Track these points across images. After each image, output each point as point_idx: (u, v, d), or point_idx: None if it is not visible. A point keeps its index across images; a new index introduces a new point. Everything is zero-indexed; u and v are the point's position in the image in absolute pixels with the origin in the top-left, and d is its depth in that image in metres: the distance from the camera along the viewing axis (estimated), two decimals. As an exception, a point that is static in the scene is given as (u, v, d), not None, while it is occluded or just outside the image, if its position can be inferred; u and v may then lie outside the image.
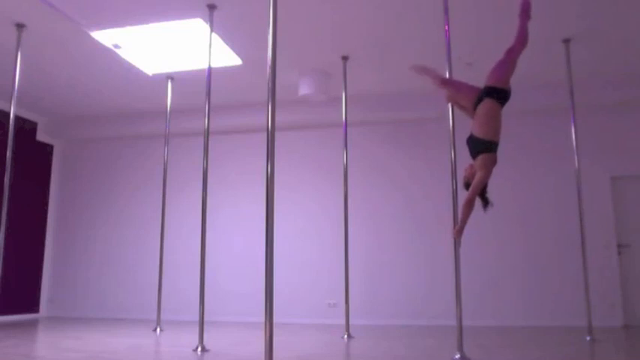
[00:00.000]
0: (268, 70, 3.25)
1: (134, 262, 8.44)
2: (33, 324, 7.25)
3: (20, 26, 5.49)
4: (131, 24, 5.47)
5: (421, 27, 5.57)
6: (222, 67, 6.56)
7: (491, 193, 4.05)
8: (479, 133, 3.89)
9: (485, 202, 3.97)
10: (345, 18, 5.40)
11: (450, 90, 4.22)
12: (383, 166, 7.78)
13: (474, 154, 3.92)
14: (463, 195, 4.28)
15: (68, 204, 8.92)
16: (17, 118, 8.05)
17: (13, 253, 7.93)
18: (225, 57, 6.25)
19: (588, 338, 5.31)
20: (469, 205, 3.94)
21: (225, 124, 8.06)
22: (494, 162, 3.90)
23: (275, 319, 7.81)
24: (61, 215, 8.90)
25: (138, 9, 5.18)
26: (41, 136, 8.68)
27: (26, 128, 8.37)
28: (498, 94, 3.90)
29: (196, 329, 6.60)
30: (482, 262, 7.18)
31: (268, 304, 2.96)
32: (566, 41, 5.86)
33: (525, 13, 4.14)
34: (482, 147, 3.86)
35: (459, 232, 4.13)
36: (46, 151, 8.81)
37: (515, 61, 4.04)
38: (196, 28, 5.56)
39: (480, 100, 3.94)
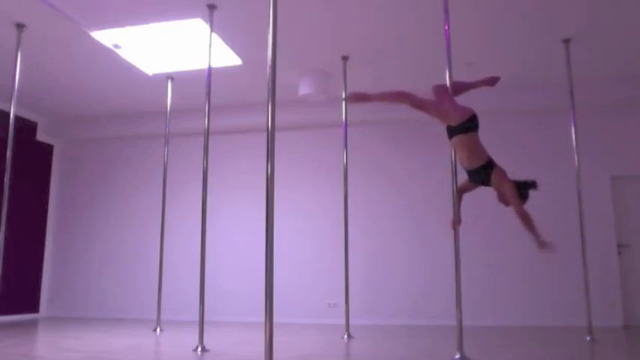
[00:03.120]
0: (268, 70, 3.25)
1: (134, 262, 8.44)
2: (33, 324, 7.25)
3: (20, 26, 5.49)
4: (131, 24, 5.47)
5: (421, 27, 5.57)
6: (222, 67, 6.56)
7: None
8: (475, 164, 3.96)
9: (527, 190, 3.88)
10: (345, 18, 5.40)
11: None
12: (383, 166, 7.78)
13: (485, 178, 3.96)
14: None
15: (68, 204, 8.92)
16: (17, 118, 8.07)
17: (13, 253, 7.93)
18: (225, 57, 6.25)
19: (588, 338, 5.31)
20: (526, 216, 3.80)
21: (225, 124, 8.06)
22: (504, 170, 3.94)
23: (275, 319, 7.83)
24: (61, 215, 8.91)
25: (138, 9, 5.18)
26: (41, 136, 8.68)
27: (26, 128, 8.37)
28: (470, 124, 3.96)
29: (196, 329, 6.60)
30: (483, 262, 7.18)
31: (268, 304, 2.97)
32: (566, 41, 5.86)
33: (363, 100, 4.11)
34: (486, 169, 3.93)
35: (543, 244, 3.81)
36: (46, 151, 8.81)
37: (425, 101, 4.11)
38: (196, 28, 5.56)
39: (452, 134, 4.01)
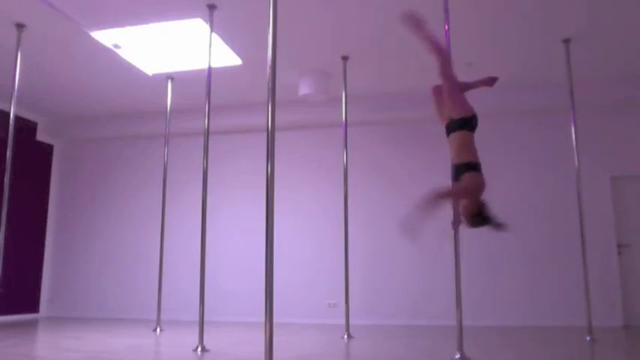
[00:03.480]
0: (268, 70, 3.25)
1: (134, 262, 8.43)
2: (33, 324, 7.25)
3: (20, 26, 5.49)
4: (131, 24, 5.47)
5: (421, 27, 5.56)
6: (222, 67, 6.56)
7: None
8: (464, 159, 3.75)
9: (487, 221, 3.59)
10: (345, 18, 5.40)
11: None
12: (383, 166, 7.78)
13: (457, 179, 3.72)
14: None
15: (68, 204, 8.92)
16: (17, 118, 8.04)
17: (13, 253, 7.93)
18: (225, 57, 6.25)
19: (588, 338, 5.31)
20: (439, 198, 3.58)
21: (225, 124, 8.06)
22: (483, 182, 3.64)
23: (275, 319, 7.79)
24: (61, 215, 8.90)
25: (138, 9, 5.18)
26: (41, 136, 8.68)
27: (26, 128, 8.37)
28: (468, 123, 3.84)
29: (196, 329, 6.59)
30: (482, 262, 7.18)
31: (268, 304, 2.96)
32: (566, 41, 5.86)
33: (415, 26, 4.01)
34: (470, 169, 3.71)
35: (411, 229, 3.70)
36: (46, 151, 8.81)
37: (451, 76, 3.98)
38: (196, 28, 5.56)
39: (451, 130, 3.88)
